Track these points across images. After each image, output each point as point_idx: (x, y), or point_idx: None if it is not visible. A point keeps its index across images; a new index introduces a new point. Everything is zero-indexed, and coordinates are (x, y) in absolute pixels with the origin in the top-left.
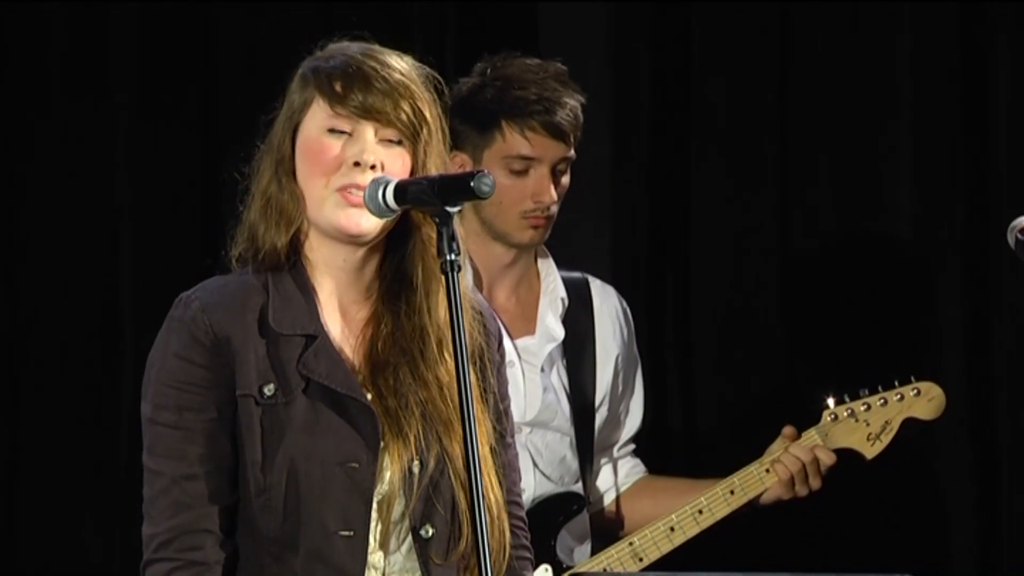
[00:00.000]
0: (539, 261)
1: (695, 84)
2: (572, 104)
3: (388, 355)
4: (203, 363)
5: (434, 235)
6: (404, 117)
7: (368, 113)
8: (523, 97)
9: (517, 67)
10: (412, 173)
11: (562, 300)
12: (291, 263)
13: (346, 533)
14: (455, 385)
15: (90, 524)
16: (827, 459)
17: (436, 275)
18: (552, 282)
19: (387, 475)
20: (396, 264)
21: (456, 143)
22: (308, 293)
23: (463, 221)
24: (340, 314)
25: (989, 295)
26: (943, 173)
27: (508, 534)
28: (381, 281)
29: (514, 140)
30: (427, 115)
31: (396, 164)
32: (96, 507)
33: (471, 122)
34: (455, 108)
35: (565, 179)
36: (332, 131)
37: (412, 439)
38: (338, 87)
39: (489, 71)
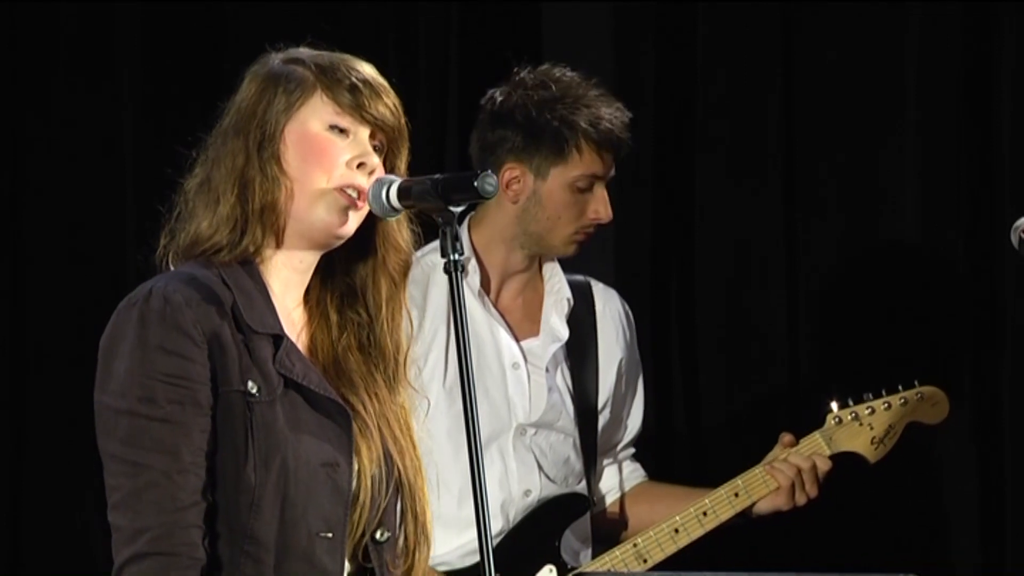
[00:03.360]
0: (544, 264)
1: (699, 85)
2: (628, 122)
3: (353, 365)
4: (194, 358)
5: (401, 243)
6: (397, 126)
7: (373, 117)
8: (600, 117)
9: (578, 85)
10: None
11: (568, 300)
12: (244, 263)
13: (326, 534)
14: (403, 415)
15: (96, 525)
16: (823, 466)
17: (397, 297)
18: (557, 283)
19: (359, 477)
20: (344, 274)
21: (512, 155)
22: (264, 292)
23: (482, 226)
24: (290, 319)
25: (994, 296)
26: (947, 175)
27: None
28: (319, 286)
29: (591, 159)
30: (404, 126)
31: (381, 173)
32: (102, 508)
33: (540, 139)
34: (513, 121)
35: None
36: (333, 128)
37: (376, 442)
38: (348, 87)
39: (554, 87)
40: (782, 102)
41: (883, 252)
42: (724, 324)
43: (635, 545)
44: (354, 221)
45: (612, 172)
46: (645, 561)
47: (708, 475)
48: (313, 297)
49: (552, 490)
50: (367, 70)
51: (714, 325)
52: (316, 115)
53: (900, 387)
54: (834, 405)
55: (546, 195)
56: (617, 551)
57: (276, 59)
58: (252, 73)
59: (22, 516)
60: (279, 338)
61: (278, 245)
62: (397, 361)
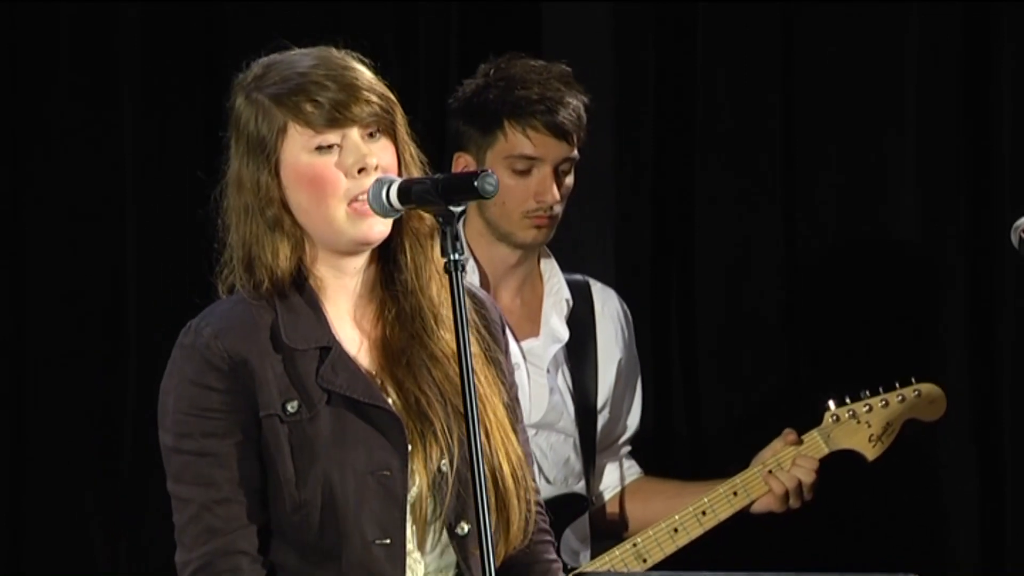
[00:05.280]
0: (542, 262)
1: (699, 85)
2: (575, 104)
3: (397, 341)
4: (221, 388)
5: (422, 215)
6: (378, 109)
7: (348, 120)
8: (525, 97)
9: (520, 67)
10: (398, 156)
11: (567, 301)
12: (297, 284)
13: (384, 541)
14: (454, 365)
15: (96, 525)
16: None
17: (424, 253)
18: (556, 283)
19: (416, 478)
20: (387, 251)
21: (460, 144)
22: (316, 306)
23: (467, 223)
24: (351, 321)
25: (993, 296)
26: (947, 174)
27: (534, 509)
28: (380, 275)
29: (516, 140)
30: (390, 96)
31: (387, 156)
32: (102, 508)
33: (474, 122)
34: (458, 109)
35: (569, 179)
36: (320, 148)
37: (440, 435)
38: (310, 107)
39: (492, 72)
40: (782, 102)
41: (882, 252)
42: (724, 324)
43: (634, 545)
44: (380, 224)
45: (561, 156)
46: (644, 561)
47: (708, 475)
48: (377, 287)
49: (552, 491)
50: (334, 78)
51: (714, 325)
52: (297, 146)
53: (897, 385)
54: (832, 403)
55: None
56: (616, 551)
57: (242, 94)
58: (232, 122)
59: (22, 516)
60: (327, 350)
61: (321, 266)
62: (434, 313)
